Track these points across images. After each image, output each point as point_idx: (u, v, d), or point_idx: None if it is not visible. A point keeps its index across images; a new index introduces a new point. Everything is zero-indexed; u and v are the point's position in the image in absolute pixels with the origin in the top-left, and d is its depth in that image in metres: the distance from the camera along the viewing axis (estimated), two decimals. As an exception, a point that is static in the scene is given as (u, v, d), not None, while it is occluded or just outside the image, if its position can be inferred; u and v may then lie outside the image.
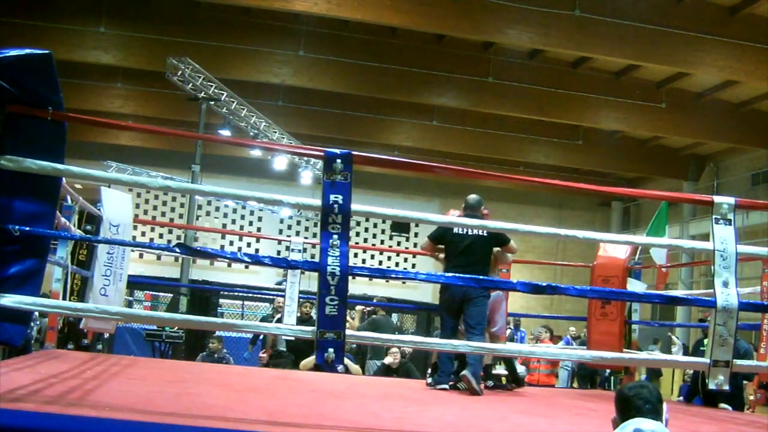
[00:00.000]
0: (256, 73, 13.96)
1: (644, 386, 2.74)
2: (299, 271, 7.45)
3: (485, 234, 5.53)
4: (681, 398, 7.65)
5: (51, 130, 3.27)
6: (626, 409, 2.66)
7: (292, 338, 8.28)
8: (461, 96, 14.64)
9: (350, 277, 3.33)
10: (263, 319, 10.86)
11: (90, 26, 12.94)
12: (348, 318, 9.38)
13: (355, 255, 16.83)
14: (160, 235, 18.75)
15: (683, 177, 18.06)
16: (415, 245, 17.28)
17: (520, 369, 7.04)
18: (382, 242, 19.62)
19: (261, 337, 9.62)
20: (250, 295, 13.38)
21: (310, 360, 6.97)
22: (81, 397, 3.45)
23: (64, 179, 3.92)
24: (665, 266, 7.93)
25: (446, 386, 5.65)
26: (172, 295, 13.03)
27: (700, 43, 11.86)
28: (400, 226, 19.23)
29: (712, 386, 3.57)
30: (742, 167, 17.04)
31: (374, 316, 9.29)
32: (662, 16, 11.56)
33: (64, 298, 5.75)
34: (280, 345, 8.97)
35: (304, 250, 8.72)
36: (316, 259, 3.31)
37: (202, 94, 12.83)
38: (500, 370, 6.35)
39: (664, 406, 2.70)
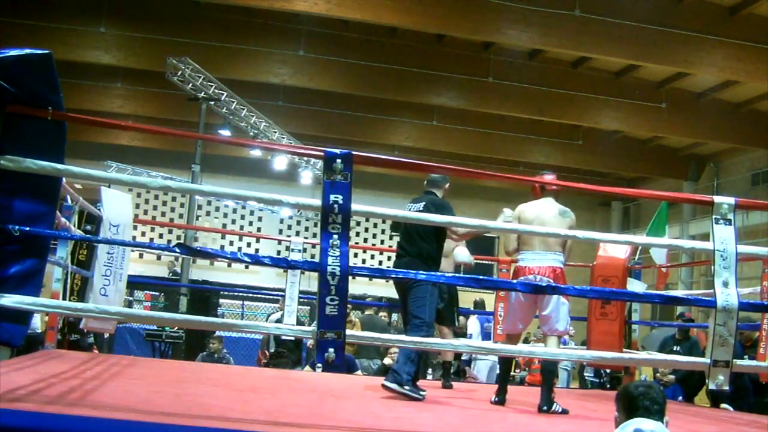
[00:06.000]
0: (256, 73, 13.94)
1: (651, 386, 2.70)
2: (299, 271, 7.46)
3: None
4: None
5: (51, 130, 3.27)
6: (632, 408, 2.61)
7: (292, 338, 8.30)
8: (461, 96, 14.62)
9: (350, 277, 3.33)
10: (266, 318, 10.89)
11: (90, 26, 12.92)
12: (355, 319, 9.37)
13: (355, 255, 16.82)
14: (160, 235, 18.72)
15: (683, 177, 18.04)
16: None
17: None
18: (382, 242, 19.59)
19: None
20: (250, 295, 13.42)
21: None
22: (81, 397, 3.45)
23: (64, 179, 3.93)
24: (665, 266, 7.94)
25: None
26: (163, 294, 13.13)
27: (700, 43, 11.84)
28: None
29: (712, 386, 3.57)
30: (742, 167, 17.02)
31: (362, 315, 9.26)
32: (662, 16, 11.54)
33: (64, 298, 5.76)
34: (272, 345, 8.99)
35: (304, 250, 8.73)
36: (316, 259, 3.31)
37: (202, 94, 12.82)
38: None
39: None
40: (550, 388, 4.83)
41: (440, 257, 5.34)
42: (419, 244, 5.21)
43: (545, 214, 5.02)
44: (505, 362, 5.38)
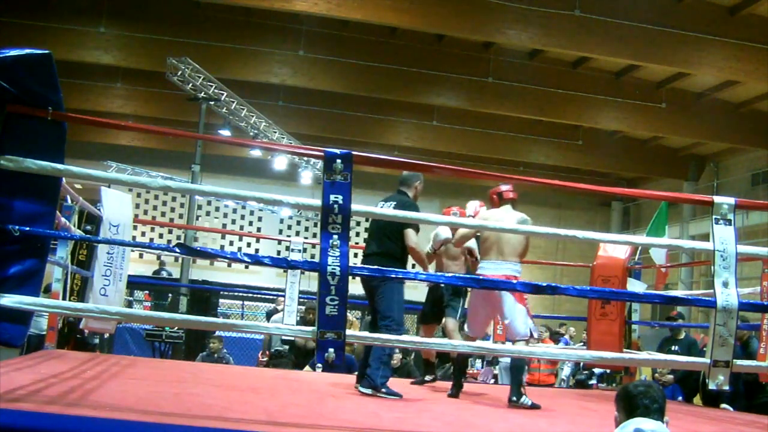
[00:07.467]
0: (256, 73, 13.95)
1: (650, 385, 2.69)
2: (299, 271, 7.46)
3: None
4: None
5: (51, 130, 3.27)
6: (632, 408, 2.61)
7: (292, 338, 8.30)
8: (461, 96, 14.63)
9: (350, 277, 3.33)
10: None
11: (90, 26, 12.93)
12: (353, 318, 9.34)
13: (355, 255, 16.75)
14: (160, 235, 18.72)
15: (683, 177, 18.05)
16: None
17: None
18: (382, 242, 19.57)
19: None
20: (250, 295, 13.40)
21: None
22: (81, 397, 3.45)
23: (64, 179, 3.92)
24: (665, 266, 7.93)
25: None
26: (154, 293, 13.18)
27: (700, 43, 11.85)
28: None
29: (712, 386, 3.57)
30: (742, 167, 17.03)
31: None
32: (662, 16, 11.55)
33: (64, 298, 5.75)
34: (275, 344, 8.98)
35: (304, 250, 8.74)
36: (316, 259, 3.31)
37: (202, 94, 12.82)
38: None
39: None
40: (520, 382, 5.01)
41: (405, 257, 5.21)
42: (386, 244, 5.18)
43: (504, 224, 5.09)
44: (461, 360, 5.58)
